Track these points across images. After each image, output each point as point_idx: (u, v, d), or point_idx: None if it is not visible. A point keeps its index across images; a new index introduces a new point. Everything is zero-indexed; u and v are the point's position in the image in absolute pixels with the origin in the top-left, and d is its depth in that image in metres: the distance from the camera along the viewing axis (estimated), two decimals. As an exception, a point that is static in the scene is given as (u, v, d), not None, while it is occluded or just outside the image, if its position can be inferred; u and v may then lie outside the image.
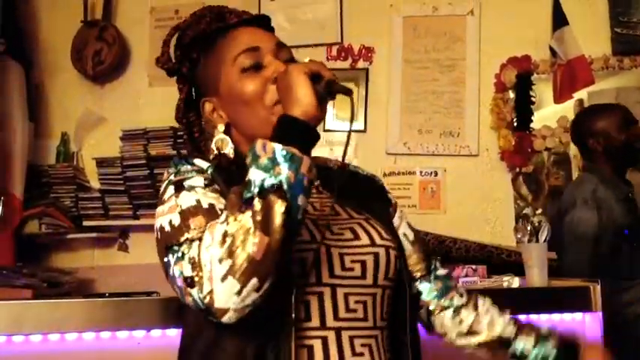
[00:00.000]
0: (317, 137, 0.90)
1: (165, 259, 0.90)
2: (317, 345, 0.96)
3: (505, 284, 1.92)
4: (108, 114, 3.27)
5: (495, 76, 3.11)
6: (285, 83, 0.94)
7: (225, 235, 0.82)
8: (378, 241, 1.04)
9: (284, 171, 0.84)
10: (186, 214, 0.92)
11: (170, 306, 1.48)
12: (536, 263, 1.96)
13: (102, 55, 3.25)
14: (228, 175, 1.00)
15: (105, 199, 3.11)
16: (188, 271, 0.85)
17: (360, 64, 3.21)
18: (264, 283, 0.83)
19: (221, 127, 1.08)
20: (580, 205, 2.26)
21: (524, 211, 3.06)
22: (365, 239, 1.04)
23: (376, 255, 1.03)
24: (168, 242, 0.90)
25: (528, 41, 3.11)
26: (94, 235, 3.16)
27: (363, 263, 1.01)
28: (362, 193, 1.15)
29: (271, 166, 0.84)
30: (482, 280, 2.04)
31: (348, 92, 0.95)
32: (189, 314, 1.03)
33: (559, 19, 3.04)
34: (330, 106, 3.36)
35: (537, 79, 3.09)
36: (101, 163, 3.13)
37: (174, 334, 1.45)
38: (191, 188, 0.96)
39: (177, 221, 0.91)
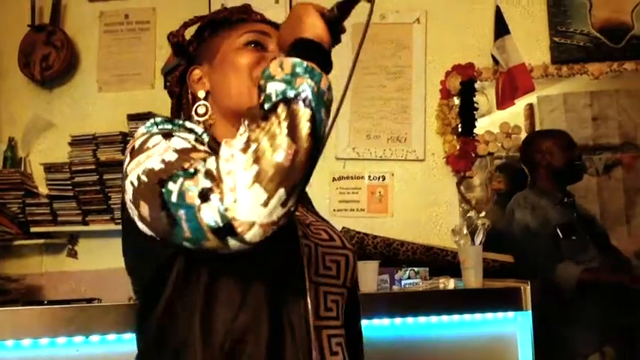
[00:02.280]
0: (331, 62, 0.89)
1: (163, 190, 0.78)
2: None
3: (441, 286, 1.99)
4: (56, 119, 3.25)
5: (441, 83, 3.20)
6: (294, 16, 0.92)
7: (248, 140, 0.76)
8: (346, 244, 1.07)
9: (306, 83, 0.79)
10: (183, 151, 0.83)
11: (110, 312, 1.50)
12: (472, 265, 2.04)
13: (50, 60, 3.22)
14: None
15: (53, 204, 3.09)
16: (205, 183, 0.75)
17: (310, 70, 3.25)
18: (290, 197, 0.76)
19: (201, 94, 1.06)
20: (516, 209, 2.51)
21: (468, 214, 3.15)
22: (338, 241, 1.06)
23: (347, 257, 1.05)
24: (165, 175, 0.80)
25: (472, 49, 3.20)
26: (42, 241, 3.13)
27: (338, 264, 1.03)
28: (308, 199, 1.18)
29: (291, 80, 0.79)
30: (422, 282, 2.12)
31: None
32: (153, 319, 0.92)
33: (501, 28, 3.14)
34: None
35: (481, 86, 3.19)
36: (49, 168, 3.11)
37: (113, 339, 1.47)
38: (183, 138, 0.88)
39: (172, 157, 0.82)
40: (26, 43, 3.25)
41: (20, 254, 3.17)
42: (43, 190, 3.16)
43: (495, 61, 3.15)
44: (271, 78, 0.80)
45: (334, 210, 3.16)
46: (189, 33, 1.16)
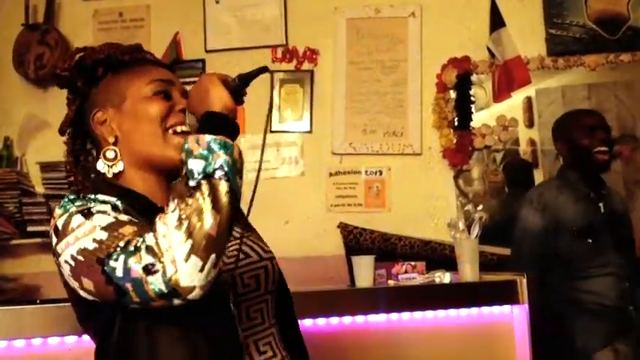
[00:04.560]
0: (238, 128, 1.00)
1: (106, 268, 0.89)
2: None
3: (437, 280, 1.98)
4: (51, 118, 3.23)
5: (437, 77, 3.19)
6: (201, 88, 1.02)
7: (180, 219, 0.88)
8: (263, 254, 1.18)
9: (222, 156, 0.92)
10: (111, 228, 0.93)
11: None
12: (468, 258, 2.04)
13: (44, 59, 3.21)
14: (137, 201, 1.06)
15: (50, 204, 3.08)
16: (148, 259, 0.87)
17: (305, 65, 3.24)
18: (219, 259, 0.90)
19: (111, 139, 1.10)
20: (525, 207, 2.36)
21: (465, 208, 3.15)
22: (255, 256, 1.17)
23: (265, 267, 1.17)
24: (102, 254, 0.90)
25: (468, 42, 3.19)
26: (39, 240, 3.11)
27: (257, 277, 1.15)
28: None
29: (209, 156, 0.91)
30: (418, 276, 2.11)
31: (263, 69, 1.05)
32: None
33: (496, 21, 3.13)
34: (275, 109, 3.35)
35: (477, 79, 3.18)
36: (45, 167, 3.10)
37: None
38: (101, 212, 0.97)
39: (103, 235, 0.92)
40: (20, 42, 3.24)
41: (17, 254, 3.16)
42: (39, 189, 3.15)
43: (491, 53, 3.14)
44: (190, 154, 0.92)
45: (331, 205, 3.16)
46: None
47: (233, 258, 1.11)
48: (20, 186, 3.12)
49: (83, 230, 0.93)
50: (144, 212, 1.02)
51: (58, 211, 0.99)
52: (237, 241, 1.14)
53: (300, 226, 3.13)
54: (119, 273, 0.88)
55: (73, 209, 0.97)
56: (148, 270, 0.87)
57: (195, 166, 0.91)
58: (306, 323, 1.71)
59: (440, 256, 2.95)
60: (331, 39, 3.26)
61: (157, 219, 0.90)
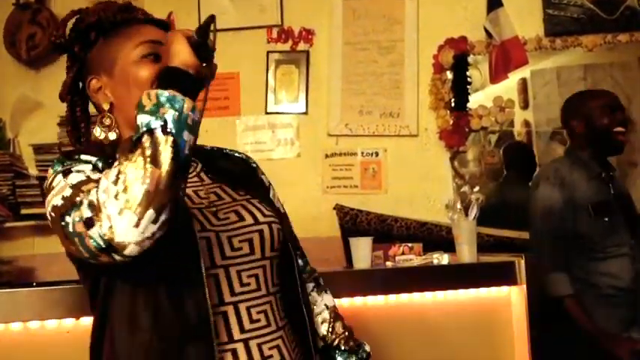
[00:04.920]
0: (198, 83, 0.99)
1: (63, 223, 0.92)
2: (219, 320, 1.06)
3: (435, 261, 1.98)
4: (45, 99, 3.19)
5: (433, 57, 3.16)
6: (167, 43, 1.01)
7: (118, 173, 0.88)
8: (260, 218, 1.15)
9: (168, 111, 0.90)
10: (77, 186, 0.96)
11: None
12: (465, 240, 2.03)
13: (36, 39, 3.17)
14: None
15: (43, 186, 3.05)
16: (87, 213, 0.89)
17: (301, 46, 3.21)
18: (161, 215, 0.88)
19: (106, 106, 1.12)
20: (543, 183, 2.27)
21: (461, 189, 3.14)
22: (249, 219, 1.14)
23: (261, 232, 1.14)
24: (63, 210, 0.93)
25: (465, 23, 3.16)
26: (33, 222, 3.09)
27: (250, 241, 1.12)
28: (239, 174, 1.26)
29: (156, 110, 0.90)
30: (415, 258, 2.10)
31: (210, 17, 1.02)
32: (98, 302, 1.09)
33: (493, 1, 3.10)
34: (271, 91, 3.29)
35: (474, 60, 3.16)
36: (38, 149, 3.07)
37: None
38: (79, 171, 1.00)
39: (68, 193, 0.95)
40: (11, 22, 3.19)
41: (11, 236, 3.14)
42: (32, 171, 3.12)
43: (488, 34, 3.11)
44: (142, 109, 0.91)
45: (327, 187, 3.15)
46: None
47: (224, 220, 1.12)
48: (13, 168, 3.09)
49: (57, 188, 0.96)
50: None
51: (49, 171, 1.03)
52: (233, 203, 1.15)
53: (296, 207, 3.07)
54: (70, 228, 0.91)
55: (59, 168, 1.01)
56: (87, 224, 0.88)
57: (142, 120, 0.90)
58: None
59: (436, 237, 2.95)
60: (327, 19, 3.22)
61: (103, 173, 0.91)
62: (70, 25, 1.16)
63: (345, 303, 1.80)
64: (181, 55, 0.98)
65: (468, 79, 3.13)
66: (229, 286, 1.08)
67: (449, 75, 3.15)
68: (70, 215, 0.91)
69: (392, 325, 1.86)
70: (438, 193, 3.13)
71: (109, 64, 1.13)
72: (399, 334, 1.86)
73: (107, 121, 1.11)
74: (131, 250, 0.88)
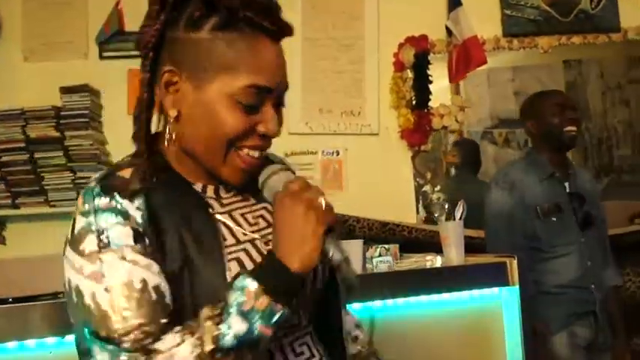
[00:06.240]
0: (299, 288, 0.84)
1: (87, 345, 0.80)
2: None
3: (428, 264, 1.92)
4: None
5: (394, 55, 3.13)
6: (298, 224, 0.82)
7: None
8: None
9: (266, 332, 0.80)
10: (115, 294, 0.79)
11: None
12: (453, 241, 1.99)
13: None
14: (164, 195, 0.88)
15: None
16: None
17: (259, 41, 3.09)
18: None
19: (173, 112, 0.89)
20: (493, 187, 2.33)
21: (422, 189, 3.12)
22: None
23: (314, 270, 0.94)
24: (96, 327, 0.79)
25: (425, 21, 3.15)
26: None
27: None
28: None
29: (254, 324, 0.79)
30: (399, 261, 2.04)
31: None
32: None
33: (454, 0, 3.09)
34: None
35: (434, 58, 3.14)
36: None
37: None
38: (117, 248, 0.81)
39: (103, 300, 0.79)
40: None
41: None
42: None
43: (449, 33, 3.10)
44: (239, 305, 0.79)
45: (288, 187, 3.04)
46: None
47: (255, 226, 0.94)
48: None
49: (91, 269, 0.80)
50: (174, 188, 0.90)
51: (79, 202, 0.84)
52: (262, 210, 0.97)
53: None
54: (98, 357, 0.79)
55: (92, 214, 0.82)
56: None
57: (237, 328, 0.78)
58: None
59: (399, 237, 2.91)
60: (285, 13, 3.10)
61: (173, 334, 0.79)
62: None
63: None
64: (312, 261, 0.81)
65: (429, 78, 3.12)
66: None
67: (410, 73, 3.12)
68: (101, 350, 0.78)
69: (384, 328, 1.79)
70: (399, 193, 3.10)
71: (200, 69, 0.87)
72: (391, 337, 1.79)
73: (169, 135, 0.90)
74: None
